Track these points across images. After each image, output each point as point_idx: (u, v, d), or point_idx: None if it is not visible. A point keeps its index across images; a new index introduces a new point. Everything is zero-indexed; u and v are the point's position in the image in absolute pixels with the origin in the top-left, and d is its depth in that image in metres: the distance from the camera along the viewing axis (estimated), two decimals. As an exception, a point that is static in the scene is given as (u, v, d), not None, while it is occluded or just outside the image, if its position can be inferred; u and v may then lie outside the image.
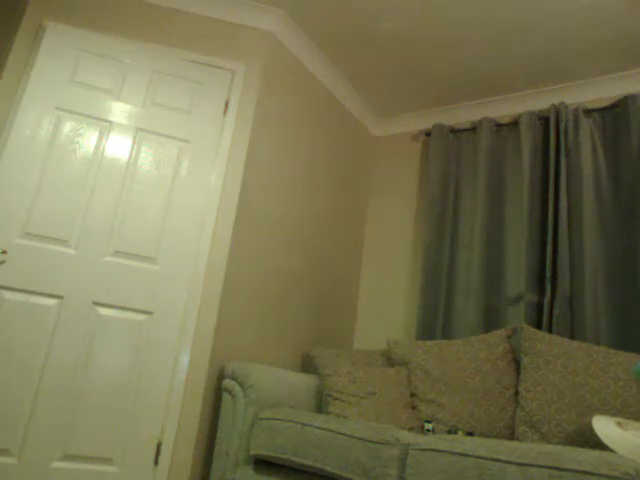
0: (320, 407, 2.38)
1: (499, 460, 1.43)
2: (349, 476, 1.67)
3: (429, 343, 2.50)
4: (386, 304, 3.27)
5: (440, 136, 3.24)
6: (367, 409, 2.17)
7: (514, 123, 3.05)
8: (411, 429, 2.21)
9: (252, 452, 1.97)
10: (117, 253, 2.22)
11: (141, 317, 2.20)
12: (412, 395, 2.37)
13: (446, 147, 3.23)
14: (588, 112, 2.82)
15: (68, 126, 2.26)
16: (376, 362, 2.62)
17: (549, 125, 2.86)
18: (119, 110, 2.35)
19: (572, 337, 2.49)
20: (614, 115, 2.76)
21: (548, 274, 2.60)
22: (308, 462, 1.78)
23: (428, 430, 2.19)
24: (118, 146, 2.32)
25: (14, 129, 2.18)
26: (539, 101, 3.07)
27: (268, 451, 1.91)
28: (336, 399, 2.21)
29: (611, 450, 1.57)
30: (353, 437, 1.72)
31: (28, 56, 2.31)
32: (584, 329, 2.47)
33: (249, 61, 2.61)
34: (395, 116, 3.58)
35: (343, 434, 1.75)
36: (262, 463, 2.00)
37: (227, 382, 2.17)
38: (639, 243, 2.46)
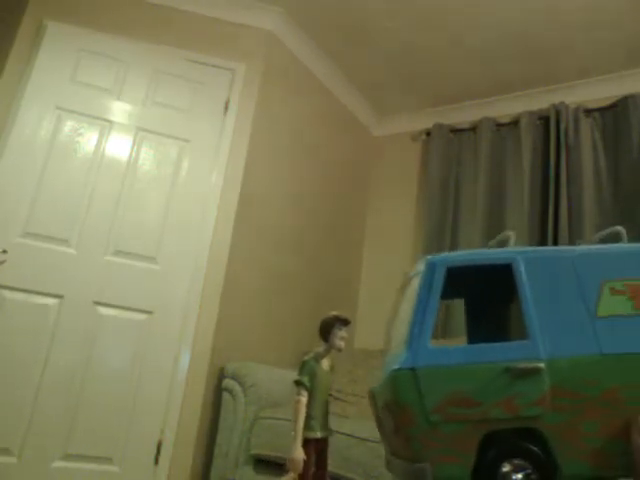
0: (320, 407, 2.38)
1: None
2: (349, 476, 1.67)
3: (429, 343, 2.50)
4: (386, 304, 3.26)
5: (440, 136, 3.24)
6: (367, 408, 2.17)
7: (514, 123, 3.05)
8: (411, 429, 2.21)
9: (252, 452, 1.97)
10: (117, 252, 2.22)
11: (141, 317, 2.19)
12: (412, 395, 2.37)
13: (446, 147, 3.23)
14: (588, 112, 2.82)
15: (68, 125, 2.26)
16: (376, 362, 2.62)
17: (549, 125, 2.86)
18: (119, 109, 2.35)
19: (572, 337, 2.49)
20: (614, 115, 2.76)
21: (548, 274, 2.60)
22: (308, 462, 1.78)
23: (428, 430, 2.19)
24: (118, 145, 2.32)
25: (14, 129, 2.18)
26: (539, 101, 3.06)
27: (268, 451, 1.91)
28: (336, 399, 2.21)
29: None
30: (353, 437, 1.72)
31: (28, 56, 2.30)
32: (584, 329, 2.47)
33: (249, 60, 2.61)
34: (395, 115, 3.58)
35: (343, 434, 1.75)
36: (262, 463, 1.99)
37: (227, 382, 2.17)
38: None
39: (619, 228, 0.64)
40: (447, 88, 3.18)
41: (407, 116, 3.54)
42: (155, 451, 2.10)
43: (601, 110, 2.80)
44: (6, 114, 2.21)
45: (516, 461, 0.46)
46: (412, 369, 0.47)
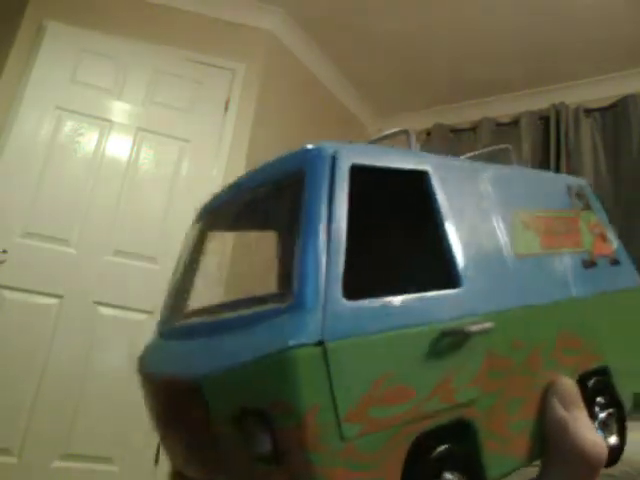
0: (320, 407, 2.38)
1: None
2: None
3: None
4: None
5: (440, 136, 3.24)
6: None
7: (514, 123, 3.05)
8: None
9: (252, 452, 1.96)
10: (117, 252, 2.22)
11: (142, 317, 2.19)
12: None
13: (446, 147, 3.22)
14: (588, 112, 2.82)
15: (69, 126, 2.26)
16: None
17: (549, 125, 2.87)
18: (119, 109, 2.35)
19: (572, 337, 2.49)
20: (614, 115, 2.76)
21: (548, 274, 2.60)
22: (308, 462, 1.78)
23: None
24: (118, 145, 2.31)
25: (14, 129, 2.17)
26: (539, 101, 3.06)
27: (268, 451, 1.91)
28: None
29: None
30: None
31: (28, 56, 2.30)
32: (584, 329, 2.47)
33: (249, 60, 2.61)
34: (395, 115, 3.58)
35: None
36: (262, 463, 1.99)
37: (227, 382, 2.17)
38: None
39: (508, 146, 0.43)
40: (447, 88, 3.18)
41: (407, 116, 3.54)
42: (156, 450, 2.10)
43: (601, 110, 2.80)
44: (6, 114, 2.21)
45: (448, 475, 0.29)
46: (320, 344, 0.24)
